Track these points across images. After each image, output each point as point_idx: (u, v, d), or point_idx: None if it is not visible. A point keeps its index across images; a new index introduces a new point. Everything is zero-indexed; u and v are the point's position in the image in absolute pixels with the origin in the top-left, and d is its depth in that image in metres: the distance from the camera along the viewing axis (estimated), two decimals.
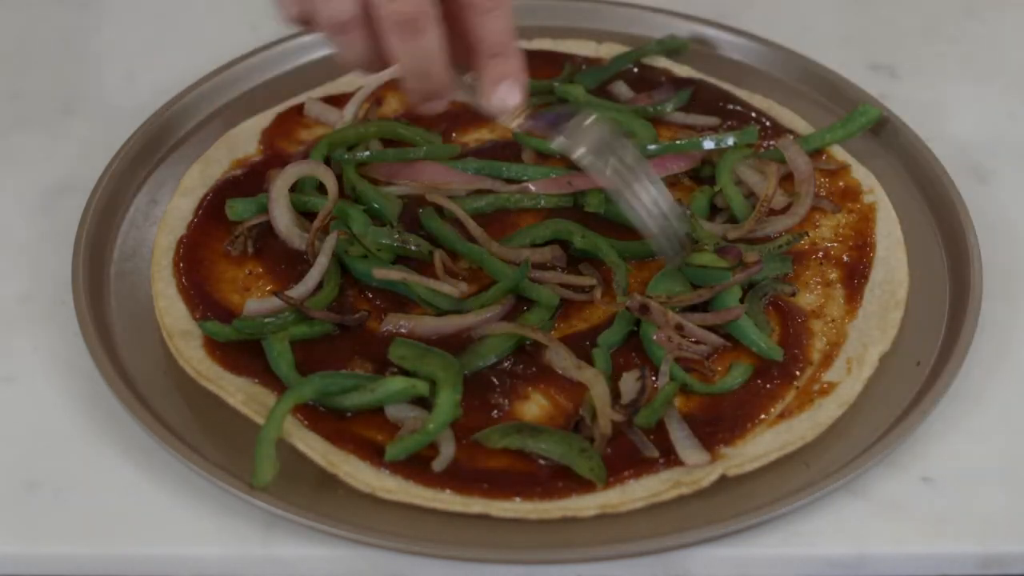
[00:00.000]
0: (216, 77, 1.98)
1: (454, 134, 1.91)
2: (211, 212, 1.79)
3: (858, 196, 1.82)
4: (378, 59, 1.49)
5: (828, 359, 1.64)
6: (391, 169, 1.83)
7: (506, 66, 1.51)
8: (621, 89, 1.97)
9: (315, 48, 2.05)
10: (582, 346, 1.65)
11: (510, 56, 1.51)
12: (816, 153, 1.87)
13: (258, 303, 1.67)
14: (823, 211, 1.80)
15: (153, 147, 1.90)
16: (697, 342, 1.64)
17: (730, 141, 1.84)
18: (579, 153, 1.62)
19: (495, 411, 1.59)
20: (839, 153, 1.88)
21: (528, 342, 1.64)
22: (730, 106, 1.95)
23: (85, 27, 2.14)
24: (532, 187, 1.81)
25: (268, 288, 1.71)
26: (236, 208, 1.78)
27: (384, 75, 1.95)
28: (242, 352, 1.63)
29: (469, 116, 1.92)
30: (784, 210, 1.79)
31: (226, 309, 1.68)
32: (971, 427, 1.61)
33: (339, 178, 1.80)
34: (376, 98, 1.94)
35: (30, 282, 1.75)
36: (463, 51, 1.51)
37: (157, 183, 1.87)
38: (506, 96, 1.52)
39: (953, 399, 1.61)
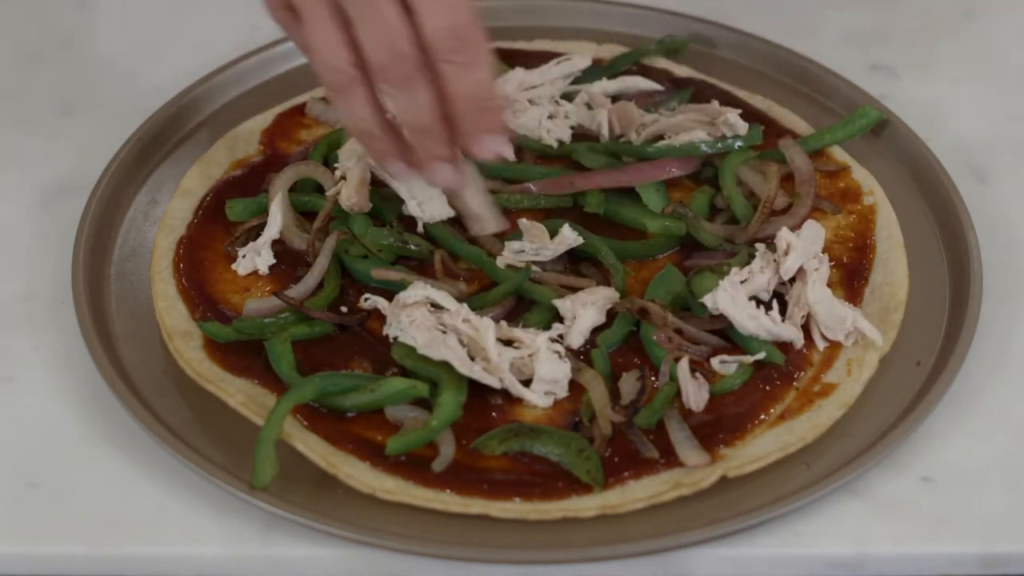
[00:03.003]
0: (216, 77, 1.98)
1: None
2: (211, 213, 1.79)
3: (858, 198, 1.82)
4: (378, 114, 1.54)
5: (828, 360, 1.64)
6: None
7: (487, 118, 1.53)
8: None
9: None
10: (582, 346, 1.65)
11: (492, 109, 1.53)
12: (816, 154, 1.87)
13: (257, 303, 1.67)
14: (823, 212, 1.80)
15: (153, 147, 1.90)
16: (697, 343, 1.64)
17: (736, 144, 1.83)
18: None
19: (494, 411, 1.59)
20: (839, 154, 1.88)
21: None
22: (730, 106, 1.95)
23: (85, 27, 2.14)
24: (532, 187, 1.81)
25: (268, 288, 1.71)
26: (236, 209, 1.78)
27: None
28: (242, 353, 1.63)
29: None
30: (784, 211, 1.79)
31: (226, 310, 1.68)
32: (971, 427, 1.61)
33: None
34: None
35: (30, 282, 1.75)
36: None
37: (157, 183, 1.87)
38: (493, 145, 1.55)
39: (953, 399, 1.61)
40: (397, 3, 1.47)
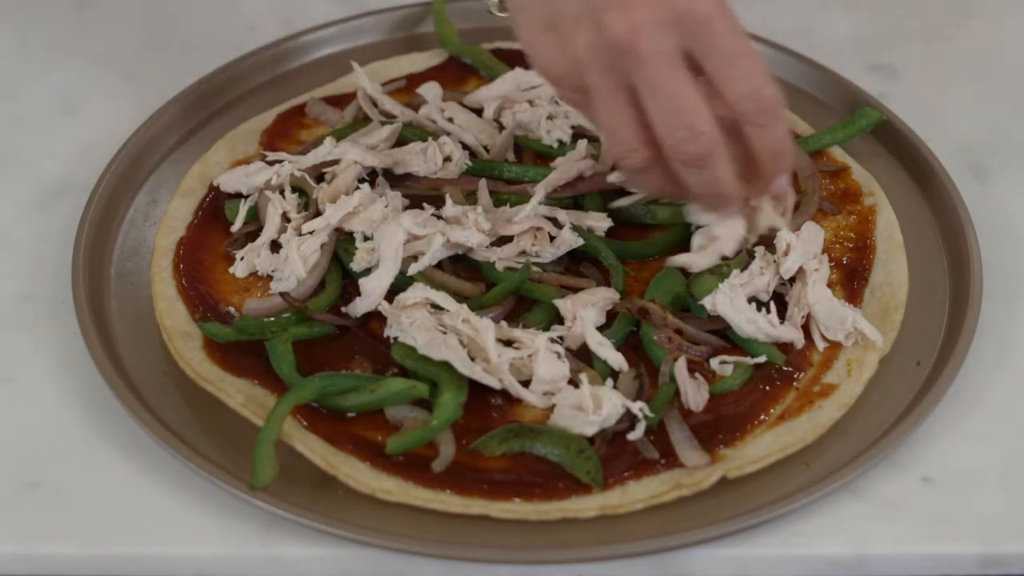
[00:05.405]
0: (216, 77, 1.98)
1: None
2: (210, 213, 1.79)
3: (858, 198, 1.82)
4: (675, 186, 1.54)
5: (828, 361, 1.64)
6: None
7: (783, 162, 1.55)
8: None
9: (315, 48, 2.05)
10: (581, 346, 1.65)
11: (787, 154, 1.54)
12: (816, 154, 1.87)
13: (257, 302, 1.67)
14: (823, 213, 1.80)
15: (153, 147, 1.90)
16: (697, 343, 1.64)
17: None
18: None
19: (494, 411, 1.59)
20: (839, 154, 1.88)
21: None
22: None
23: (85, 27, 2.14)
24: (531, 188, 1.80)
25: (267, 290, 1.71)
26: (235, 209, 1.78)
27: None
28: (242, 353, 1.63)
29: None
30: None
31: (226, 310, 1.68)
32: (971, 427, 1.61)
33: None
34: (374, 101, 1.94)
35: (30, 282, 1.75)
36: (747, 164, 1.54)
37: (157, 183, 1.87)
38: (781, 182, 1.58)
39: (953, 399, 1.61)
40: (689, 77, 1.45)
